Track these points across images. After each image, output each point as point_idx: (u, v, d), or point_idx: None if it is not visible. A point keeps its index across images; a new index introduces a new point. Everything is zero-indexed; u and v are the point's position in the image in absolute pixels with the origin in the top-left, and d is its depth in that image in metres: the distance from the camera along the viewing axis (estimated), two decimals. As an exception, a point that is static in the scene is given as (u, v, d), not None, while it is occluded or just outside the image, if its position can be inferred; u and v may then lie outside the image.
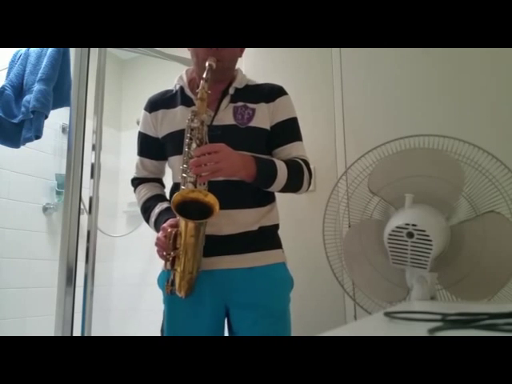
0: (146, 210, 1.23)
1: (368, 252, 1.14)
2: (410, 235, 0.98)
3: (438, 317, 0.56)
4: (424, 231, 0.96)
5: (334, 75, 1.81)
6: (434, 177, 1.06)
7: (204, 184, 1.06)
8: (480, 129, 1.48)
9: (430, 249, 0.96)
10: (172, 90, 1.26)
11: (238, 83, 1.22)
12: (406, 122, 1.63)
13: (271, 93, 1.23)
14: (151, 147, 1.27)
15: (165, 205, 1.20)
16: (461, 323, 0.53)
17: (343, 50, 1.80)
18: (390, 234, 1.00)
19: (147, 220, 1.23)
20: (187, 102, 1.20)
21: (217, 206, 1.01)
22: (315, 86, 1.85)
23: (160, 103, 1.25)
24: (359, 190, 1.19)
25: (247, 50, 2.05)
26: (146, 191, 1.26)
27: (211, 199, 1.02)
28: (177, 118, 1.19)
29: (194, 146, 1.07)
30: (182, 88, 1.24)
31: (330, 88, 1.81)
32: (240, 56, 1.26)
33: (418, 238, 0.97)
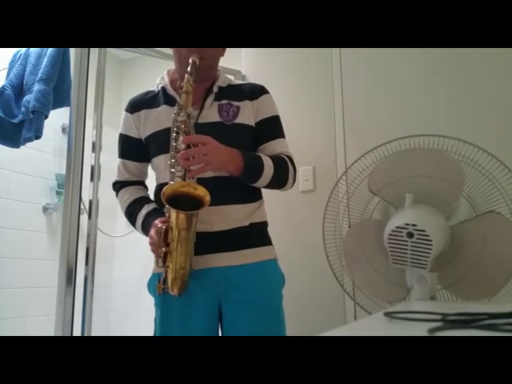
0: (132, 213, 1.21)
1: (368, 252, 1.14)
2: (410, 235, 0.98)
3: (438, 317, 0.56)
4: (424, 231, 0.96)
5: (333, 75, 1.81)
6: (434, 177, 1.06)
7: (193, 178, 1.05)
8: (480, 129, 1.48)
9: (430, 249, 0.96)
10: (154, 91, 1.26)
11: (221, 82, 1.23)
12: (406, 122, 1.63)
13: (254, 91, 1.25)
14: (133, 149, 1.25)
15: (152, 206, 1.19)
16: (461, 323, 0.53)
17: (343, 49, 1.80)
18: (390, 234, 1.00)
19: (133, 223, 1.21)
20: (170, 101, 1.19)
21: (207, 197, 1.01)
22: (315, 86, 1.85)
23: (142, 103, 1.24)
24: (359, 190, 1.19)
25: (247, 51, 2.05)
26: (129, 195, 1.24)
27: (201, 191, 1.02)
28: (160, 118, 1.19)
29: (181, 139, 1.07)
30: (163, 88, 1.23)
31: (329, 88, 1.81)
32: (222, 55, 1.26)
33: (418, 238, 0.97)
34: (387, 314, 0.63)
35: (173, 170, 1.06)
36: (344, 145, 1.74)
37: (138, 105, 1.25)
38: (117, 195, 1.29)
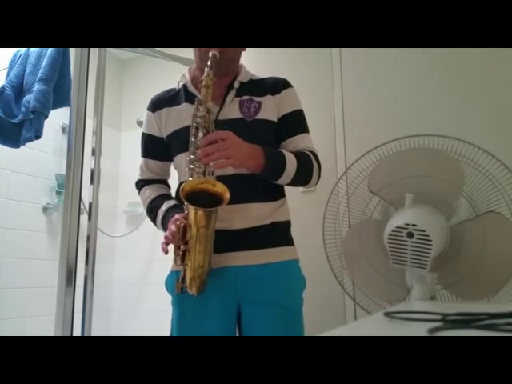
0: (153, 209, 1.19)
1: (368, 252, 1.14)
2: (410, 235, 0.98)
3: (438, 317, 0.56)
4: (424, 231, 0.96)
5: (333, 75, 1.81)
6: (434, 177, 1.06)
7: (212, 174, 1.03)
8: (480, 129, 1.48)
9: (430, 249, 0.96)
10: (175, 89, 1.24)
11: (242, 77, 1.21)
12: (406, 122, 1.63)
13: (276, 85, 1.22)
14: (156, 148, 1.24)
15: (172, 202, 1.17)
16: (461, 323, 0.53)
17: (343, 49, 1.80)
18: (390, 234, 1.00)
19: (154, 220, 1.19)
20: (191, 98, 1.17)
21: (226, 194, 0.99)
22: (315, 85, 1.85)
23: (163, 102, 1.23)
24: (359, 190, 1.19)
25: (247, 51, 2.05)
26: (151, 192, 1.23)
27: (220, 188, 1.00)
28: (182, 116, 1.17)
29: (200, 135, 1.05)
30: (184, 86, 1.22)
31: (330, 88, 1.81)
32: (243, 49, 1.25)
33: (417, 238, 0.97)
34: (387, 314, 0.63)
35: (192, 166, 1.04)
36: (344, 145, 1.74)
37: (159, 103, 1.24)
38: (139, 193, 1.28)
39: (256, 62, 2.02)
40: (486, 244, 1.03)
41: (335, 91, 1.80)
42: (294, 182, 1.15)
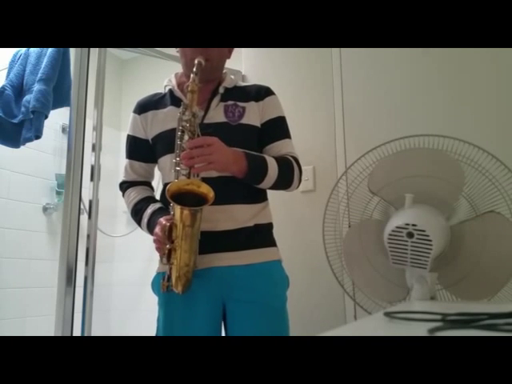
0: (138, 212, 1.21)
1: (368, 252, 1.14)
2: (410, 235, 0.98)
3: (438, 317, 0.56)
4: (424, 231, 0.96)
5: (333, 75, 1.81)
6: (434, 177, 1.06)
7: (198, 176, 1.06)
8: (480, 129, 1.48)
9: (430, 249, 0.96)
10: (160, 93, 1.28)
11: (227, 83, 1.24)
12: (406, 122, 1.63)
13: (259, 92, 1.26)
14: (141, 149, 1.26)
15: (157, 205, 1.20)
16: (461, 323, 0.53)
17: (343, 49, 1.80)
18: (390, 234, 1.00)
19: (139, 222, 1.21)
20: (177, 102, 1.21)
21: (211, 194, 1.02)
22: (315, 86, 1.85)
23: (149, 105, 1.26)
24: (359, 190, 1.19)
25: (247, 51, 2.05)
26: (136, 194, 1.25)
27: (205, 189, 1.03)
28: (167, 118, 1.20)
29: (186, 138, 1.08)
30: (170, 90, 1.25)
31: (330, 88, 1.81)
32: (228, 57, 1.27)
33: (417, 238, 0.97)
34: (387, 314, 0.63)
35: (178, 168, 1.07)
36: (344, 145, 1.74)
37: (145, 106, 1.27)
38: (123, 195, 1.29)
39: (256, 62, 2.02)
40: (486, 244, 1.03)
41: (335, 91, 1.80)
42: (276, 186, 1.19)
